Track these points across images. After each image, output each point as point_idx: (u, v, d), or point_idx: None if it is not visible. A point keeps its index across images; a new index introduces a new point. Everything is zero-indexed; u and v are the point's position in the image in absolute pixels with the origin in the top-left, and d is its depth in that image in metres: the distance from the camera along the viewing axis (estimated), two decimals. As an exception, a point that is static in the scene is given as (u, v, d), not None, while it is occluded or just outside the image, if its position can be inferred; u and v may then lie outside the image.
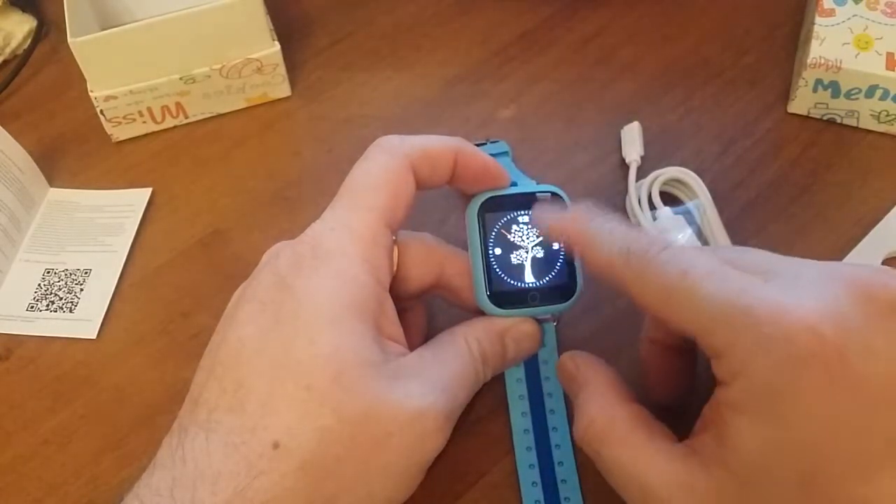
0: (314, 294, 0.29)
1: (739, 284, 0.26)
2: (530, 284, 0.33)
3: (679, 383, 0.33)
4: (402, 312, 0.32)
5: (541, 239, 0.34)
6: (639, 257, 0.28)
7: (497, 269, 0.33)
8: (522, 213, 0.34)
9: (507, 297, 0.33)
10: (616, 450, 0.28)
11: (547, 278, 0.33)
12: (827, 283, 0.25)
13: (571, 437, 0.34)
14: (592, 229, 0.30)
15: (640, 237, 0.28)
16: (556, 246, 0.34)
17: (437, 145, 0.33)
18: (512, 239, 0.34)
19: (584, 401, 0.30)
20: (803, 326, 0.24)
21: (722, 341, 0.25)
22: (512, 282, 0.33)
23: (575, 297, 0.33)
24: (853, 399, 0.23)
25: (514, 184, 0.35)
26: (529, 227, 0.34)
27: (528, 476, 0.34)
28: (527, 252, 0.34)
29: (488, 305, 0.33)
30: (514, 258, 0.33)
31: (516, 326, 0.33)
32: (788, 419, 0.24)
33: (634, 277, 0.28)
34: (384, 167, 0.32)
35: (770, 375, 0.24)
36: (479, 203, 0.34)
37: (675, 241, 0.29)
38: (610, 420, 0.29)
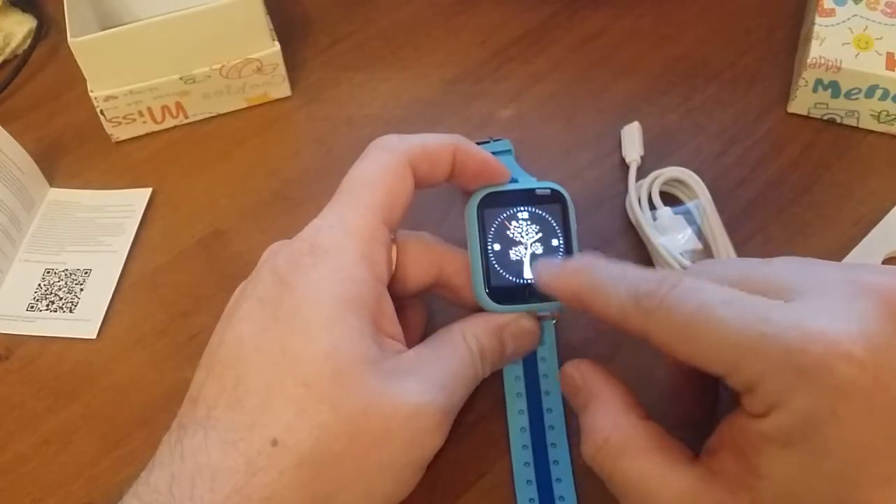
0: (313, 291, 0.29)
1: (762, 312, 0.24)
2: (529, 281, 0.33)
3: (705, 406, 0.31)
4: (400, 310, 0.32)
5: (540, 235, 0.34)
6: (649, 298, 0.26)
7: (496, 266, 0.33)
8: (521, 209, 0.34)
9: (506, 293, 0.33)
10: (633, 471, 0.27)
11: None
12: (853, 300, 0.24)
13: (567, 437, 0.34)
14: (597, 278, 0.29)
15: (648, 277, 0.27)
16: (555, 242, 0.34)
17: (435, 143, 0.33)
18: (511, 235, 0.34)
19: (595, 416, 0.29)
20: (838, 353, 0.22)
21: (751, 375, 0.24)
22: (511, 278, 0.33)
23: None
24: (891, 422, 0.22)
25: (515, 181, 0.35)
26: (528, 222, 0.34)
27: (523, 474, 0.34)
28: (526, 248, 0.34)
29: (487, 301, 0.33)
30: (513, 254, 0.33)
31: (515, 323, 0.33)
32: (828, 449, 0.23)
33: (648, 320, 0.26)
34: (382, 165, 0.32)
35: (808, 407, 0.23)
36: (478, 199, 0.34)
37: (685, 278, 0.26)
38: (626, 438, 0.27)
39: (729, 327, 0.24)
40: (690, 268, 0.29)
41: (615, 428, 0.28)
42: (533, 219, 0.34)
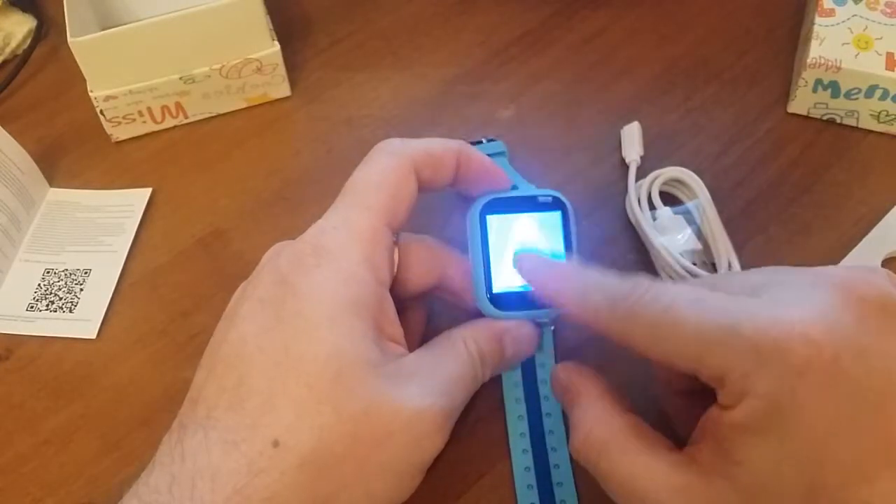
0: (315, 292, 0.29)
1: (723, 304, 0.26)
2: (530, 287, 0.33)
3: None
4: (402, 313, 0.32)
5: (541, 241, 0.34)
6: (622, 302, 0.27)
7: (497, 271, 0.33)
8: (523, 215, 0.34)
9: (507, 299, 0.33)
10: (614, 460, 0.28)
11: None
12: (815, 289, 0.25)
13: (567, 441, 0.34)
14: (576, 282, 0.30)
15: (622, 284, 0.28)
16: (555, 249, 0.34)
17: (439, 147, 0.33)
18: (512, 241, 0.33)
19: (580, 412, 0.30)
20: (795, 335, 0.23)
21: (718, 367, 0.25)
22: (511, 284, 0.33)
23: None
24: (851, 402, 0.23)
25: (514, 187, 0.35)
26: (530, 229, 0.34)
27: (524, 478, 0.34)
28: None
29: (487, 307, 0.33)
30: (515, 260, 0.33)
31: (515, 328, 0.33)
32: (792, 432, 0.23)
33: (621, 324, 0.28)
34: (386, 168, 0.32)
35: (771, 391, 0.24)
36: (481, 205, 0.34)
37: (657, 283, 0.28)
38: (607, 431, 0.28)
39: (693, 323, 0.25)
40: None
41: (597, 421, 0.29)
42: (534, 225, 0.34)
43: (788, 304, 0.25)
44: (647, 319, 0.27)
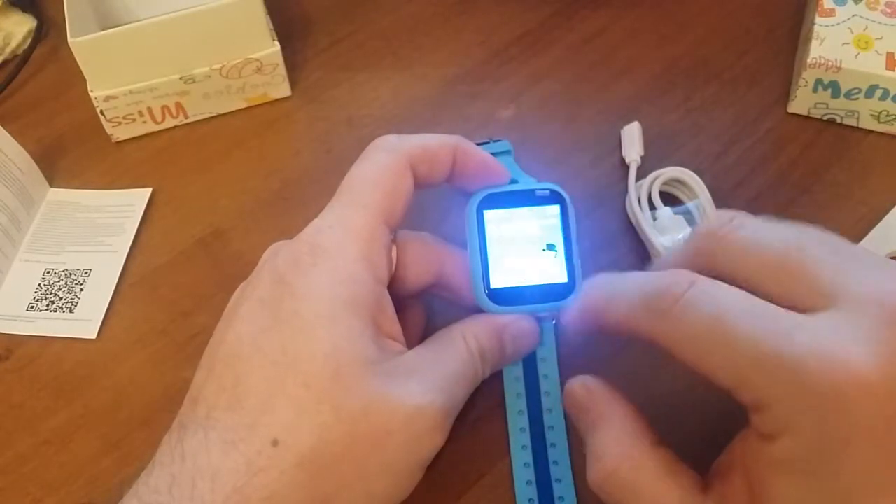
0: (313, 292, 0.29)
1: (781, 329, 0.23)
2: (528, 281, 0.33)
3: None
4: (400, 311, 0.32)
5: (540, 235, 0.34)
6: (659, 301, 0.25)
7: (495, 266, 0.33)
8: (521, 209, 0.34)
9: (506, 294, 0.33)
10: (644, 502, 0.26)
11: (545, 275, 0.33)
12: (882, 326, 0.22)
13: (567, 437, 0.34)
14: (604, 288, 0.28)
15: (656, 279, 0.26)
16: (555, 243, 0.34)
17: (435, 143, 0.33)
18: (511, 236, 0.33)
19: (605, 441, 0.27)
20: (856, 383, 0.21)
21: (763, 394, 0.23)
22: (510, 279, 0.33)
23: (573, 294, 0.33)
24: None
25: (514, 182, 0.35)
26: (528, 223, 0.34)
27: (523, 474, 0.34)
28: (525, 249, 0.33)
29: (486, 302, 0.33)
30: (513, 255, 0.33)
31: (514, 323, 0.33)
32: (838, 480, 0.22)
33: (658, 326, 0.25)
34: (382, 165, 0.32)
35: (820, 436, 0.22)
36: (479, 200, 0.34)
37: (700, 280, 0.25)
38: (636, 468, 0.26)
39: (745, 342, 0.23)
40: (734, 221, 0.27)
41: (626, 457, 0.27)
42: (533, 219, 0.34)
43: (853, 341, 0.22)
44: (688, 324, 0.25)
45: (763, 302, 0.24)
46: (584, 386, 0.29)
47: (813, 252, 0.25)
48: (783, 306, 0.24)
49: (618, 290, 0.28)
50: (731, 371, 0.24)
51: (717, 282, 0.25)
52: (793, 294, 0.24)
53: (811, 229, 0.27)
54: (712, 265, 0.27)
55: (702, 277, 0.25)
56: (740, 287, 0.25)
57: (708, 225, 0.27)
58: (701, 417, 0.28)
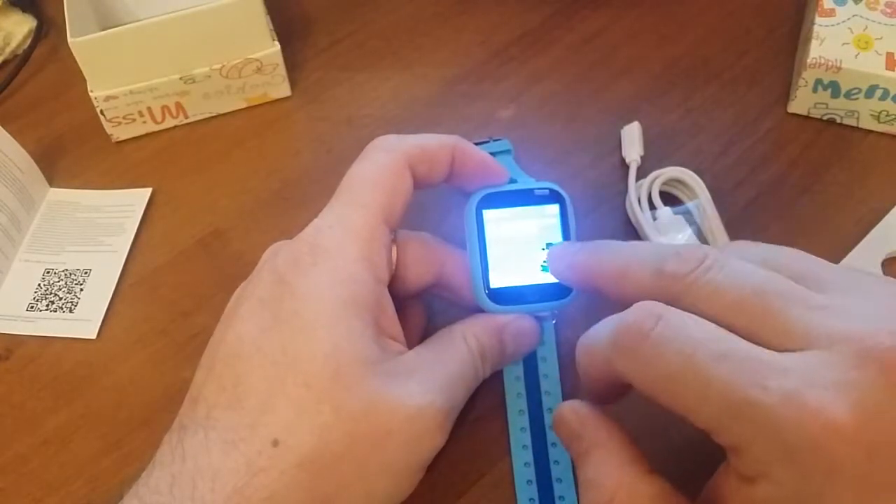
0: (313, 291, 0.29)
1: (753, 369, 0.23)
2: (528, 281, 0.33)
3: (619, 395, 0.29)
4: (400, 311, 0.32)
5: (540, 235, 0.34)
6: (627, 339, 0.25)
7: (495, 266, 0.33)
8: (521, 209, 0.34)
9: (506, 293, 0.33)
10: None
11: (545, 275, 0.33)
12: (857, 368, 0.22)
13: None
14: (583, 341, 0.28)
15: (623, 316, 0.26)
16: (554, 242, 0.34)
17: (433, 143, 0.33)
18: (510, 235, 0.33)
19: (598, 469, 0.27)
20: (831, 432, 0.21)
21: (739, 439, 0.23)
22: (510, 278, 0.33)
23: (573, 293, 0.33)
24: (888, 497, 0.21)
25: (514, 181, 0.35)
26: (528, 222, 0.34)
27: (524, 474, 0.34)
28: (525, 248, 0.34)
29: (486, 302, 0.33)
30: (513, 254, 0.33)
31: (514, 323, 0.33)
32: None
33: (629, 366, 0.25)
34: (381, 165, 0.32)
35: (797, 482, 0.22)
36: (478, 199, 0.34)
37: (670, 315, 0.25)
38: (632, 497, 0.26)
39: (717, 386, 0.23)
40: (703, 264, 0.26)
41: (620, 486, 0.26)
42: (532, 219, 0.34)
43: (827, 386, 0.22)
44: (661, 365, 0.24)
45: (735, 338, 0.24)
46: (574, 411, 0.29)
47: (782, 292, 0.25)
48: (756, 345, 0.24)
49: (590, 334, 0.28)
50: (706, 414, 0.24)
51: (685, 314, 0.25)
52: (761, 337, 0.24)
53: (783, 255, 0.27)
54: (680, 304, 0.26)
55: (670, 310, 0.25)
56: None
57: (674, 267, 0.26)
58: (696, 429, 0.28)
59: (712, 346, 0.24)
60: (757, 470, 0.23)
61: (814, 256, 0.27)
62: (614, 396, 0.29)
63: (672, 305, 0.26)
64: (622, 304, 0.27)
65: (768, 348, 0.24)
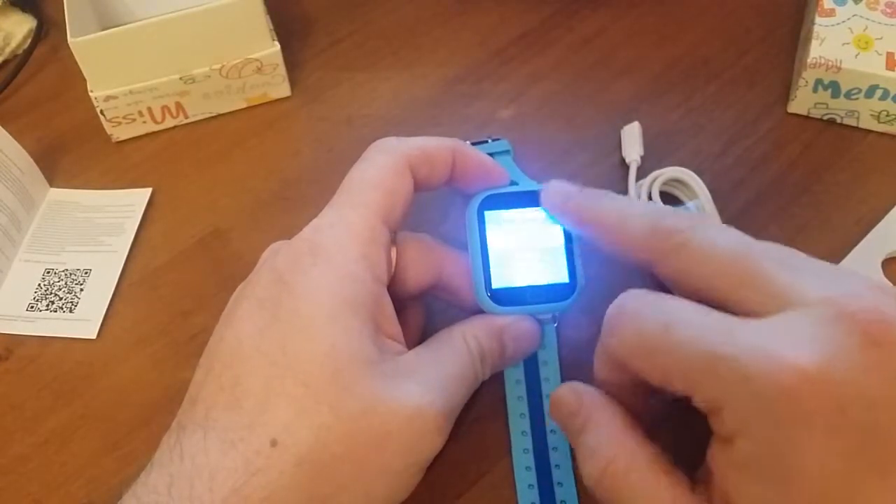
0: (312, 291, 0.29)
1: (726, 332, 0.24)
2: (530, 282, 0.33)
3: (656, 416, 0.30)
4: (400, 311, 0.32)
5: (541, 236, 0.34)
6: (608, 320, 0.27)
7: (497, 267, 0.33)
8: (522, 210, 0.34)
9: (507, 294, 0.33)
10: (641, 491, 0.26)
11: (547, 276, 0.33)
12: (828, 324, 0.23)
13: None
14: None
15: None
16: (556, 244, 0.34)
17: (434, 145, 0.33)
18: (512, 236, 0.33)
19: (596, 438, 0.27)
20: (799, 380, 0.22)
21: (714, 398, 0.24)
22: (511, 280, 0.33)
23: (575, 295, 0.33)
24: (854, 460, 0.22)
25: (514, 183, 0.35)
26: (529, 224, 0.34)
27: (525, 478, 0.34)
28: (526, 250, 0.33)
29: (488, 303, 0.33)
30: (514, 256, 0.33)
31: (515, 324, 0.33)
32: (793, 479, 0.22)
33: (608, 341, 0.27)
34: (382, 166, 0.32)
35: (770, 434, 0.22)
36: (479, 200, 0.34)
37: (647, 296, 0.26)
38: (633, 462, 0.26)
39: (692, 347, 0.24)
40: (689, 231, 0.28)
41: (620, 448, 0.27)
42: (533, 220, 0.34)
43: (798, 340, 0.23)
44: (640, 337, 0.26)
45: (709, 309, 0.25)
46: (572, 390, 0.29)
47: (765, 258, 0.26)
48: (737, 313, 0.25)
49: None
50: (683, 377, 0.24)
51: (662, 294, 0.26)
52: (745, 300, 0.25)
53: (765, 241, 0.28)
54: (667, 265, 0.27)
55: (648, 291, 0.26)
56: (693, 295, 0.26)
57: (671, 223, 0.28)
58: (696, 419, 0.28)
59: (687, 314, 0.25)
60: (733, 427, 0.23)
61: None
62: (641, 404, 0.29)
63: (663, 262, 0.27)
64: (614, 253, 0.29)
65: (750, 310, 0.25)
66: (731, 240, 0.27)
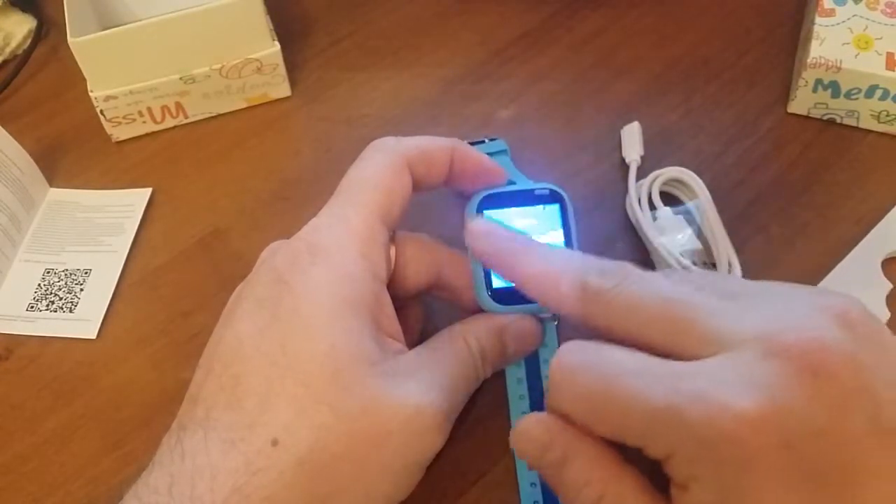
0: (311, 290, 0.29)
1: (667, 378, 0.24)
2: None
3: None
4: (399, 311, 0.32)
5: (540, 235, 0.34)
6: (551, 377, 0.26)
7: None
8: (521, 209, 0.34)
9: (507, 293, 0.33)
10: None
11: None
12: (763, 360, 0.23)
13: None
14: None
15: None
16: (555, 242, 0.34)
17: (432, 145, 0.33)
18: None
19: (583, 469, 0.26)
20: (740, 423, 0.22)
21: (663, 447, 0.23)
22: None
23: None
24: (810, 485, 0.22)
25: (511, 183, 0.35)
26: (528, 223, 0.34)
27: (527, 476, 0.34)
28: None
29: (488, 302, 0.33)
30: None
31: (516, 323, 0.33)
32: None
33: (552, 399, 0.26)
34: (380, 165, 0.32)
35: (721, 480, 0.22)
36: (478, 200, 0.34)
37: (586, 346, 0.26)
38: (623, 486, 0.26)
39: (635, 399, 0.24)
40: (618, 283, 0.27)
41: (609, 477, 0.26)
42: (533, 219, 0.34)
43: (735, 382, 0.22)
44: (582, 393, 0.25)
45: (647, 356, 0.25)
46: (540, 422, 0.27)
47: (696, 303, 0.25)
48: (673, 359, 0.25)
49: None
50: (631, 431, 0.24)
51: (601, 345, 0.26)
52: (679, 346, 0.25)
53: (693, 275, 0.28)
54: (597, 321, 0.27)
55: (589, 343, 0.26)
56: (628, 344, 0.26)
57: (597, 283, 0.27)
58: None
59: (627, 364, 0.25)
60: (686, 475, 0.23)
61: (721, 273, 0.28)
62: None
63: (593, 317, 0.27)
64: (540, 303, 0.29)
65: (687, 358, 0.24)
66: (659, 289, 0.26)
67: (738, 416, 0.22)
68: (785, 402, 0.22)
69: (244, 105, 0.48)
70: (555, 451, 0.27)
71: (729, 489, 0.22)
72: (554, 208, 0.34)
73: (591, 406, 0.25)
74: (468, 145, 0.34)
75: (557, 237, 0.34)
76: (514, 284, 0.30)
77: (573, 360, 0.26)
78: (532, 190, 0.34)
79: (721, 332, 0.24)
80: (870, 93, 0.43)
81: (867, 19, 0.45)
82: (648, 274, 0.27)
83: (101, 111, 0.45)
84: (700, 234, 0.40)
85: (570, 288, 0.28)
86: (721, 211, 0.40)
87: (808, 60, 0.44)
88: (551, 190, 0.34)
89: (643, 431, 0.24)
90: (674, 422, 0.23)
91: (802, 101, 0.45)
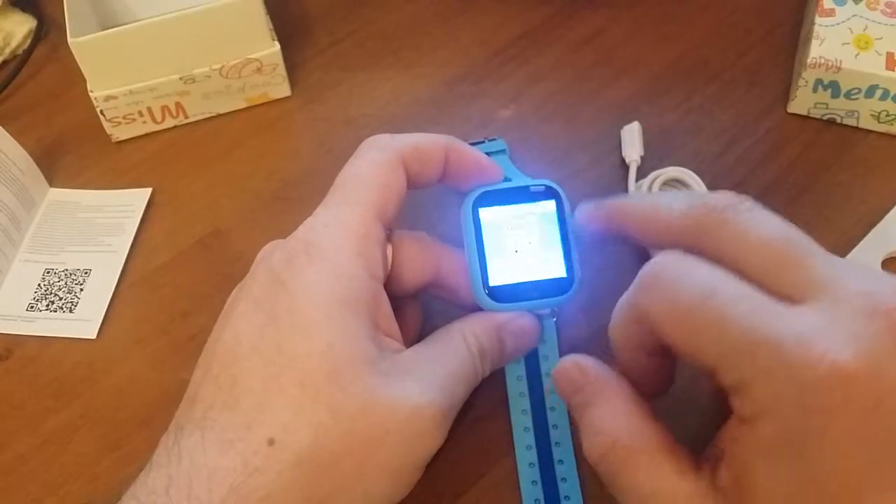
0: (308, 290, 0.29)
1: (767, 310, 0.23)
2: (528, 278, 0.33)
3: (662, 380, 0.29)
4: (397, 310, 0.32)
5: (536, 231, 0.34)
6: (647, 277, 0.26)
7: (493, 264, 0.33)
8: (517, 206, 0.34)
9: (505, 291, 0.33)
10: (641, 476, 0.25)
11: (544, 272, 0.33)
12: (866, 319, 0.23)
13: (571, 436, 0.34)
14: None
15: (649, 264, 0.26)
16: (552, 239, 0.34)
17: (427, 142, 0.33)
18: (508, 233, 0.34)
19: (600, 414, 0.27)
20: (835, 373, 0.21)
21: (744, 376, 0.23)
22: (509, 276, 0.33)
23: (573, 289, 0.33)
24: (884, 454, 0.22)
25: (509, 181, 0.35)
26: (524, 219, 0.34)
27: (528, 474, 0.34)
28: (523, 246, 0.34)
29: (486, 300, 0.33)
30: (511, 252, 0.33)
31: (514, 321, 0.33)
32: (818, 470, 0.22)
33: (645, 298, 0.26)
34: (375, 163, 0.32)
35: (799, 421, 0.22)
36: (474, 198, 0.34)
37: (685, 262, 0.26)
38: (636, 440, 0.26)
39: (730, 322, 0.23)
40: (739, 205, 0.27)
41: (625, 429, 0.26)
42: (529, 215, 0.34)
43: (839, 333, 0.22)
44: (678, 302, 0.25)
45: (751, 287, 0.24)
46: (577, 365, 0.29)
47: (808, 246, 0.26)
48: (771, 294, 0.24)
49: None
50: (715, 351, 0.24)
51: (703, 261, 0.26)
52: (783, 282, 0.25)
53: None
54: (706, 242, 0.27)
55: (690, 256, 0.26)
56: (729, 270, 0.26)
57: (714, 201, 0.27)
58: (699, 420, 0.28)
59: (730, 287, 0.24)
60: (759, 408, 0.23)
61: None
62: (649, 374, 0.28)
63: (702, 239, 0.27)
64: (649, 246, 0.28)
65: (785, 294, 0.24)
66: (776, 222, 0.26)
67: (836, 366, 0.22)
68: (883, 363, 0.22)
69: (244, 105, 0.48)
70: (583, 394, 0.28)
71: (804, 431, 0.22)
72: (550, 204, 0.34)
73: (680, 315, 0.25)
74: (463, 142, 0.34)
75: (554, 233, 0.34)
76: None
77: (674, 266, 0.26)
78: (528, 186, 0.34)
79: (831, 279, 0.24)
80: (870, 93, 0.43)
81: (867, 19, 0.45)
82: (761, 207, 0.27)
83: (101, 111, 0.45)
84: (700, 234, 0.40)
85: (678, 210, 0.28)
86: (721, 211, 0.40)
87: (808, 60, 0.44)
88: (547, 186, 0.34)
89: (728, 355, 0.24)
90: (770, 353, 0.23)
91: (802, 101, 0.45)
